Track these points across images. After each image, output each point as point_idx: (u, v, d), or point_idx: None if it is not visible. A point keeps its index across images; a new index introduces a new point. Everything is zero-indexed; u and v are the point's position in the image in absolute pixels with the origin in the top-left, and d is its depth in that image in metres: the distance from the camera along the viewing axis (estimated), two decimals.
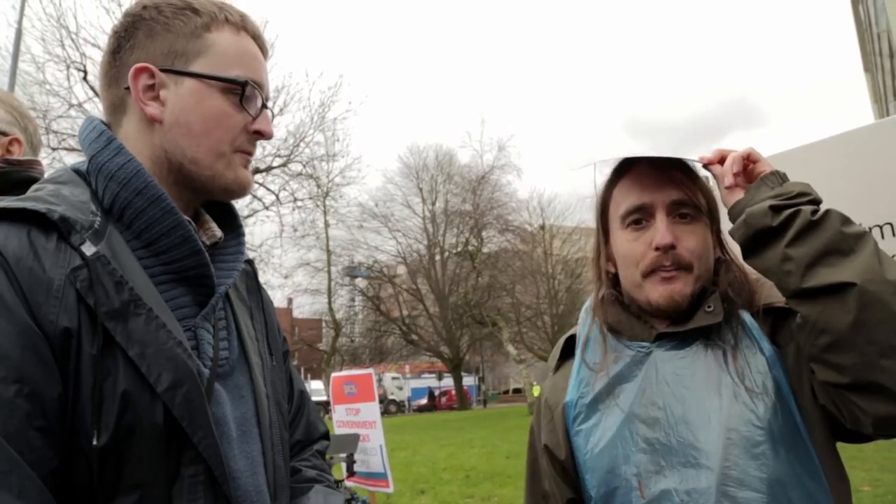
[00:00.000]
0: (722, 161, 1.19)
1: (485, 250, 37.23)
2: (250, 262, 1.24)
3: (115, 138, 1.01)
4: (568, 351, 1.39)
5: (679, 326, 1.21)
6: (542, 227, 41.12)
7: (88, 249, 0.88)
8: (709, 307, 1.19)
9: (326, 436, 1.36)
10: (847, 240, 1.02)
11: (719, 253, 1.27)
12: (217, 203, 1.16)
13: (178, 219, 0.99)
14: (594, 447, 1.21)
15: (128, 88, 1.01)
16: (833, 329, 1.00)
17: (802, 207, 1.06)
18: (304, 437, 1.29)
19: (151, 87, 1.01)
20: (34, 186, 0.98)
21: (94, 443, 0.83)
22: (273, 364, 1.17)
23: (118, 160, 0.98)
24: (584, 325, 1.37)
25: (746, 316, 1.20)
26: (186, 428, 0.89)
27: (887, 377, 0.97)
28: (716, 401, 1.13)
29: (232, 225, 1.17)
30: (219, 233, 1.13)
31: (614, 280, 1.32)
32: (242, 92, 1.04)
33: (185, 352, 0.91)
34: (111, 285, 0.88)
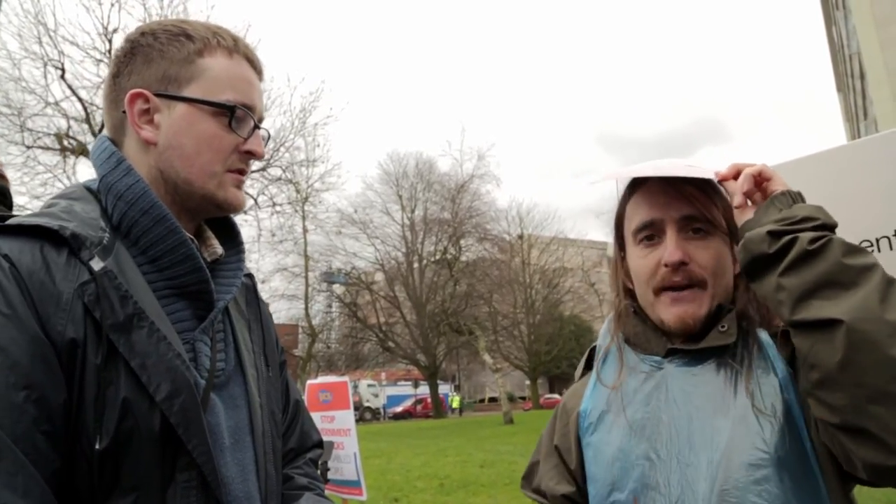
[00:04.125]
0: (737, 177, 1.13)
1: (463, 259, 37.32)
2: (250, 275, 1.29)
3: (125, 159, 1.06)
4: (592, 361, 1.36)
5: (691, 344, 1.17)
6: (521, 237, 41.45)
7: (97, 265, 0.94)
8: (723, 327, 1.15)
9: (320, 444, 1.41)
10: (847, 272, 0.95)
11: (739, 269, 1.17)
12: (220, 220, 1.22)
13: (181, 237, 1.04)
14: (599, 459, 1.19)
15: (125, 112, 1.06)
16: (821, 366, 0.94)
17: (801, 235, 0.99)
18: (297, 446, 1.34)
19: (146, 112, 1.07)
20: (48, 202, 1.04)
21: (96, 447, 0.88)
22: (269, 375, 1.22)
23: (127, 181, 1.04)
24: (605, 338, 1.35)
25: (764, 335, 1.15)
26: (182, 435, 0.93)
27: (876, 424, 0.90)
28: (722, 421, 1.08)
29: (233, 241, 1.22)
30: (220, 249, 1.18)
31: (633, 294, 1.29)
32: (232, 115, 1.09)
33: (184, 363, 0.96)
34: (117, 299, 0.93)
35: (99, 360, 0.90)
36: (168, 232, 1.03)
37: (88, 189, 1.07)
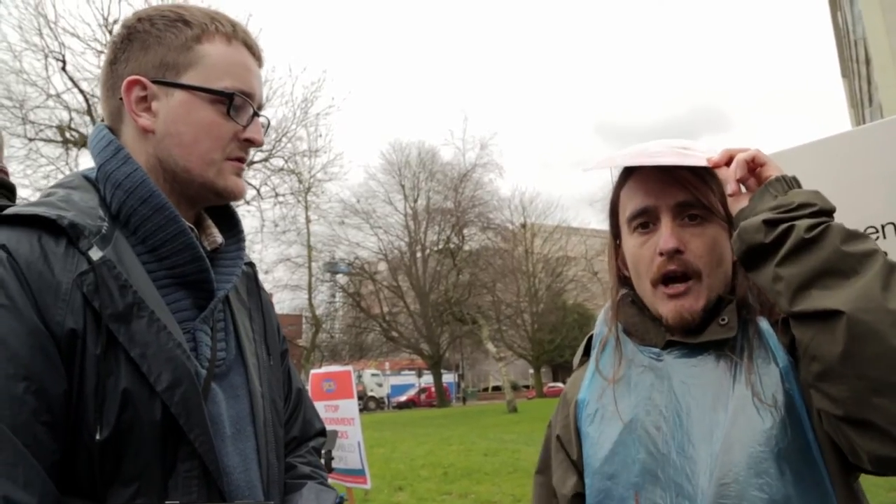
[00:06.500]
0: (730, 163, 1.09)
1: (466, 248, 37.37)
2: (251, 264, 1.29)
3: (123, 148, 1.05)
4: (590, 348, 1.34)
5: (690, 338, 1.14)
6: (524, 226, 41.41)
7: (95, 254, 0.93)
8: (723, 320, 1.11)
9: (323, 433, 1.41)
10: (847, 260, 0.91)
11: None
12: (219, 208, 1.21)
13: (181, 226, 1.03)
14: (597, 452, 1.17)
15: (122, 99, 1.05)
16: (823, 358, 0.91)
17: (797, 223, 0.96)
18: (300, 434, 1.34)
19: (144, 99, 1.05)
20: (46, 191, 1.03)
21: (97, 437, 0.88)
22: (270, 364, 1.22)
23: (125, 169, 1.03)
24: (602, 327, 1.32)
25: (764, 324, 1.11)
26: (183, 425, 0.93)
27: (880, 415, 0.87)
28: (721, 414, 1.06)
29: (233, 230, 1.21)
30: (220, 238, 1.17)
31: (629, 281, 1.26)
32: (230, 103, 1.07)
33: (184, 353, 0.96)
34: (116, 288, 0.93)
35: (98, 350, 0.90)
36: (167, 221, 1.02)
37: (87, 178, 1.07)
